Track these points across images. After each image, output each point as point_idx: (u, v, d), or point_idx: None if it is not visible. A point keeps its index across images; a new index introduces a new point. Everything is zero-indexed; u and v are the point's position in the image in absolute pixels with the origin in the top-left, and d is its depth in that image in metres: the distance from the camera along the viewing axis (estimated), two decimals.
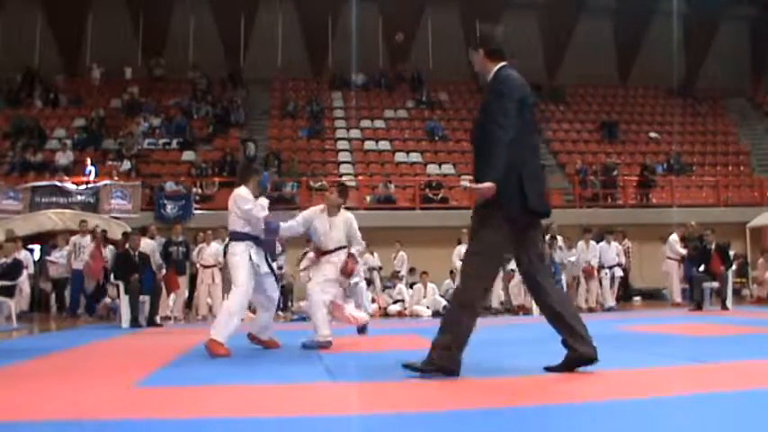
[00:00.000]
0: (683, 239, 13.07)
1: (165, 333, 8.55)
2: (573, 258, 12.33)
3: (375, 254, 13.79)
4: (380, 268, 13.98)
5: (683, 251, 12.89)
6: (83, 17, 21.57)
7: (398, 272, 13.52)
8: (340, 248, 6.06)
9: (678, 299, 12.99)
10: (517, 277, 11.93)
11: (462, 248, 12.28)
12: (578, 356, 3.84)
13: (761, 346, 5.75)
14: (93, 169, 16.09)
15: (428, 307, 12.08)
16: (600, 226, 13.48)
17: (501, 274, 12.24)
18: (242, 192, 5.72)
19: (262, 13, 22.55)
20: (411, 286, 12.77)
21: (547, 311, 3.99)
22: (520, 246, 3.94)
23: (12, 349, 6.77)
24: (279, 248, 11.27)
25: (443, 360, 3.70)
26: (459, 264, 12.14)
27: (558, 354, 5.26)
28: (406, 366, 3.76)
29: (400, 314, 12.01)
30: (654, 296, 15.55)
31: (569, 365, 3.85)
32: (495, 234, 3.81)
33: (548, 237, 12.38)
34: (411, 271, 13.66)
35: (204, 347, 5.30)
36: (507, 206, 3.74)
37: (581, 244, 12.48)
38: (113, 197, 15.22)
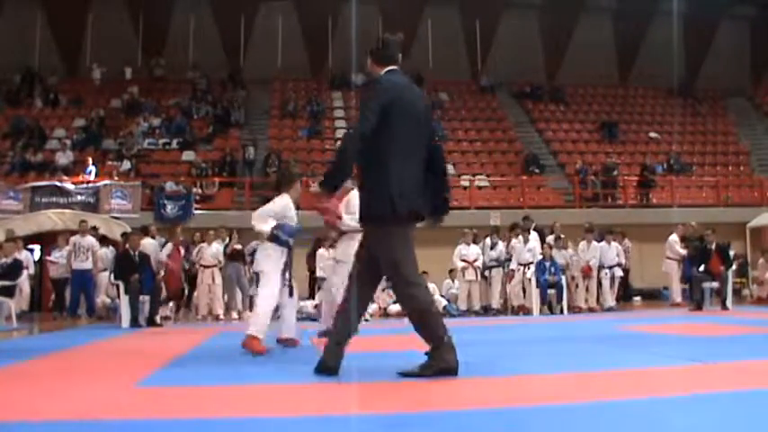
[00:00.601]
0: (683, 239, 13.05)
1: (165, 333, 8.55)
2: (576, 258, 12.35)
3: None
4: None
5: (683, 251, 12.87)
6: (83, 17, 21.57)
7: None
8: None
9: (678, 299, 12.98)
10: (517, 277, 11.94)
11: (462, 248, 12.30)
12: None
13: (761, 346, 5.75)
14: (93, 169, 16.09)
15: None
16: (600, 226, 13.49)
17: (501, 273, 12.29)
18: (284, 201, 5.74)
19: (262, 13, 22.56)
20: None
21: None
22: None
23: (12, 349, 6.77)
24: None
25: (439, 362, 3.71)
26: (459, 264, 12.23)
27: (558, 354, 5.28)
28: (404, 374, 3.77)
29: (400, 314, 12.00)
30: (654, 296, 15.55)
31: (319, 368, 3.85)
32: (391, 236, 3.81)
33: (551, 237, 12.41)
34: None
35: (242, 345, 5.37)
36: (381, 210, 3.76)
37: (583, 244, 12.48)
38: (113, 197, 15.23)
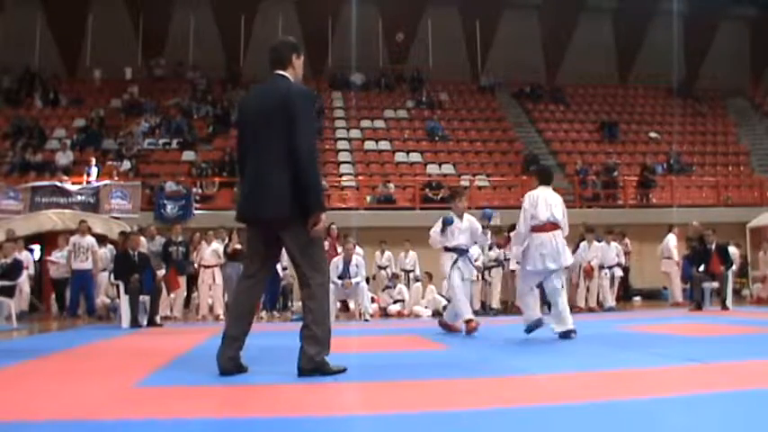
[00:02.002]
0: (688, 240, 13.03)
1: (165, 333, 8.55)
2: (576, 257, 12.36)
3: (387, 252, 13.74)
4: (386, 268, 13.90)
5: (676, 255, 12.93)
6: (83, 17, 21.59)
7: (397, 273, 13.44)
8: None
9: (679, 298, 12.98)
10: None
11: None
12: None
13: (761, 346, 5.75)
14: (96, 169, 16.06)
15: (427, 307, 12.08)
16: (600, 226, 13.49)
17: (500, 273, 12.27)
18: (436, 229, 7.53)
19: (262, 13, 22.57)
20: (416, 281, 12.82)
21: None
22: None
23: (12, 349, 6.76)
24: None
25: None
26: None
27: (558, 354, 5.27)
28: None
29: (400, 314, 12.00)
30: (654, 296, 15.55)
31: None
32: (248, 234, 4.22)
33: None
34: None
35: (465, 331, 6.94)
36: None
37: (583, 244, 12.47)
38: (113, 197, 15.20)
